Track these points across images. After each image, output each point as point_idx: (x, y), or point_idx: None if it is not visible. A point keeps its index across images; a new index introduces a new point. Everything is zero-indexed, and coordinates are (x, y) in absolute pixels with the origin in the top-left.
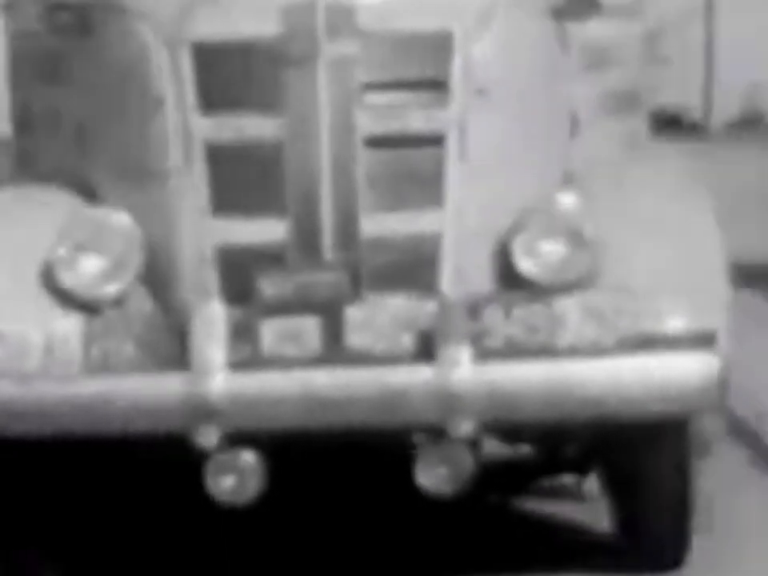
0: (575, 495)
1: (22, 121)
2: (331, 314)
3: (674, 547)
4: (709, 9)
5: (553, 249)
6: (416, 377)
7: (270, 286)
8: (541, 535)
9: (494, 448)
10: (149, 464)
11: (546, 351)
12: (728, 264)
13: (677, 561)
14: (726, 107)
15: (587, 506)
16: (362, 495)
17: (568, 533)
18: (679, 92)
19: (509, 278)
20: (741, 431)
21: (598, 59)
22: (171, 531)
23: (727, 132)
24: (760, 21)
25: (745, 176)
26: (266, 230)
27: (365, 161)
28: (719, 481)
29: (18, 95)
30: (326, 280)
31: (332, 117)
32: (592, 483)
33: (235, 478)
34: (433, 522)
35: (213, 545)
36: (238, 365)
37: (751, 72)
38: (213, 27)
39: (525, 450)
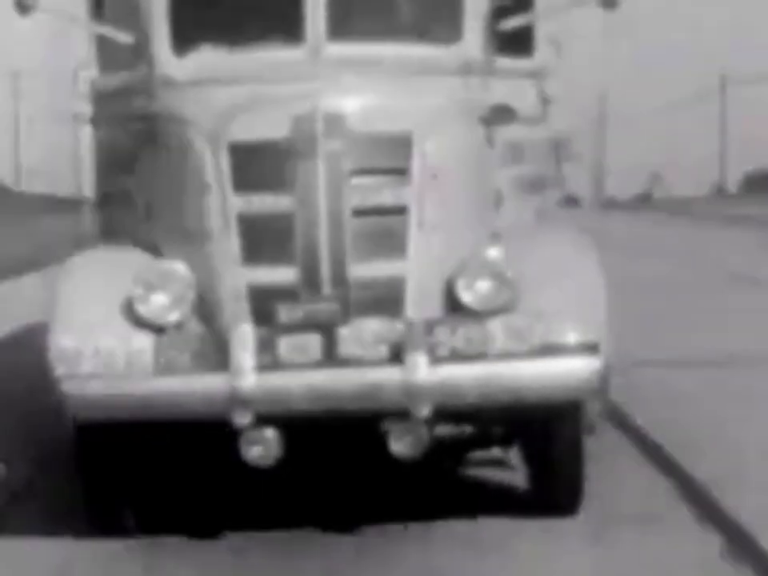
0: (502, 462)
1: (103, 201)
2: (328, 332)
3: (572, 497)
4: (601, 120)
5: (484, 286)
6: (389, 376)
7: (284, 313)
8: (476, 490)
9: (444, 428)
10: (201, 438)
11: (480, 357)
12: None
13: (574, 506)
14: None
15: (510, 470)
16: (352, 459)
17: (496, 489)
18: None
19: (454, 306)
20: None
21: (515, 153)
22: (217, 485)
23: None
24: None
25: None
26: (282, 274)
27: (351, 225)
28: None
29: (101, 184)
30: (324, 308)
31: (328, 194)
32: (514, 453)
33: (261, 448)
34: (400, 478)
35: (246, 493)
36: (263, 368)
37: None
38: (243, 132)
39: (466, 429)
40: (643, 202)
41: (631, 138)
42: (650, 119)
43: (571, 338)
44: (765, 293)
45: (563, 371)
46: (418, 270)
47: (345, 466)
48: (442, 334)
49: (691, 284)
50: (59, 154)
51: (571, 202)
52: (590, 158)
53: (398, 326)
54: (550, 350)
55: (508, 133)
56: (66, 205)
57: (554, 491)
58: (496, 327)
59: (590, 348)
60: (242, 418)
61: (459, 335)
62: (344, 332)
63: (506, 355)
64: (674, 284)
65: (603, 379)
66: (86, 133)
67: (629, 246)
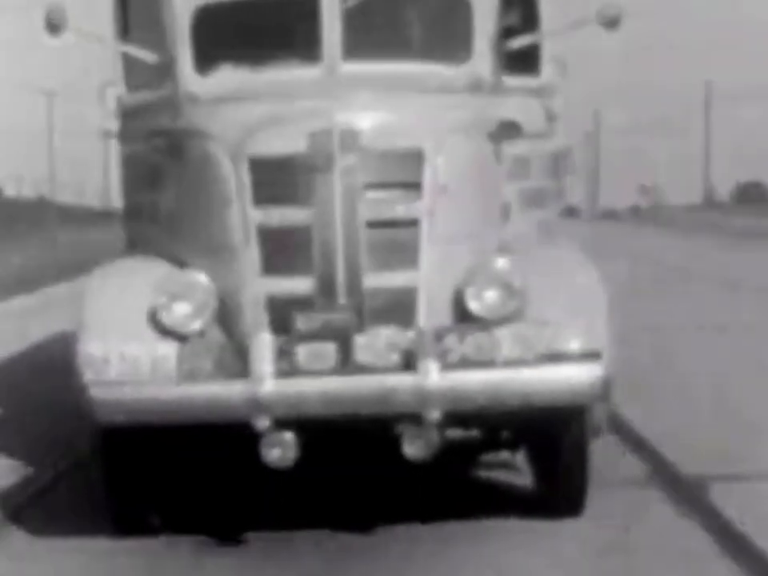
0: (509, 465)
1: (130, 214)
2: (344, 340)
3: (576, 498)
4: (595, 135)
5: (492, 295)
6: (402, 382)
7: (302, 322)
8: (484, 491)
9: (454, 431)
10: (223, 441)
11: (489, 364)
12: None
13: (578, 507)
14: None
15: (517, 472)
16: (366, 461)
17: (503, 490)
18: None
19: (463, 315)
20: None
21: (521, 168)
22: (238, 485)
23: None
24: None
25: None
26: (299, 284)
27: (365, 237)
28: None
29: (128, 196)
30: (340, 317)
31: (343, 207)
32: (521, 456)
33: (280, 450)
34: (412, 479)
35: (266, 493)
36: (282, 374)
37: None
38: (263, 147)
39: (475, 433)
40: (635, 212)
41: (624, 152)
42: (643, 133)
43: (575, 345)
44: (695, 283)
45: (567, 377)
46: (429, 280)
47: (360, 466)
48: (452, 342)
49: (641, 276)
50: (88, 168)
51: (570, 213)
52: (586, 171)
53: (410, 334)
54: (554, 357)
55: (515, 148)
56: (103, 216)
57: (560, 492)
58: (503, 335)
59: (593, 355)
60: (262, 422)
61: (468, 343)
62: (359, 340)
63: (513, 362)
64: (629, 276)
65: (606, 385)
66: (114, 148)
67: (605, 246)
